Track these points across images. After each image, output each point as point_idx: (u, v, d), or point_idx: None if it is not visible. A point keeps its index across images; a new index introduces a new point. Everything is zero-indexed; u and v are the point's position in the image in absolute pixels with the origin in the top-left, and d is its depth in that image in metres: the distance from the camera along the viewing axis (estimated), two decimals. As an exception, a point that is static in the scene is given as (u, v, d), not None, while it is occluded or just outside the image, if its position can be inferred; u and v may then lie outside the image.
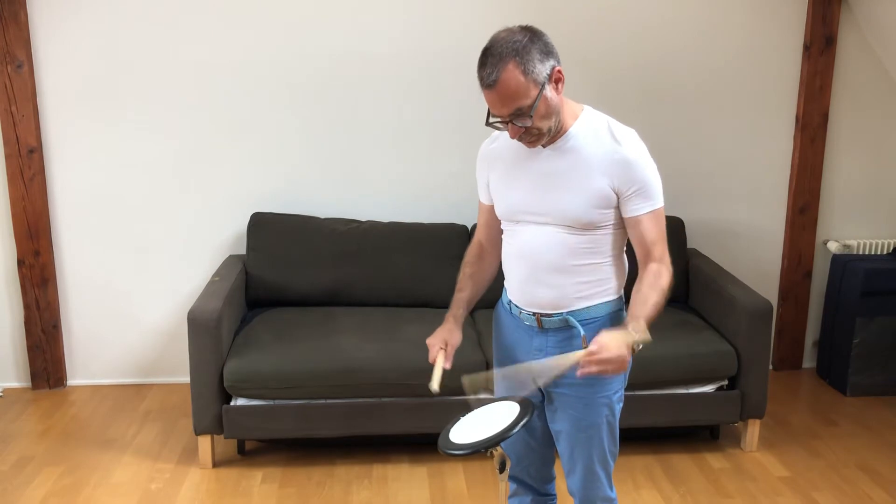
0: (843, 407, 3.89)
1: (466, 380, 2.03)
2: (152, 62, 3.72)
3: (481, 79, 1.87)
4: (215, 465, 3.29)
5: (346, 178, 3.93)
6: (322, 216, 3.87)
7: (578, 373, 1.82)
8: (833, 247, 4.15)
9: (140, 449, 3.42)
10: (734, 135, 4.04)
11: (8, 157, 3.71)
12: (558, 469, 2.30)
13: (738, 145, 4.06)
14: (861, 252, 4.18)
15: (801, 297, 4.22)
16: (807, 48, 3.93)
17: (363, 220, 3.86)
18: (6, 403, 3.83)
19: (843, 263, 4.00)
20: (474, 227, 3.83)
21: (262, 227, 3.76)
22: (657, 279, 1.95)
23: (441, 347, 2.12)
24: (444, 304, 3.69)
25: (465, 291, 2.21)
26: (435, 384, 2.06)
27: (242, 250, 3.88)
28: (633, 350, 1.84)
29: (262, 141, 3.85)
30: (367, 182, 3.94)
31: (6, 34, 3.59)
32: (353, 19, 3.76)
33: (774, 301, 4.19)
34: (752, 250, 4.17)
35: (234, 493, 3.11)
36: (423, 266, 3.75)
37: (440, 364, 2.10)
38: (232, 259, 3.82)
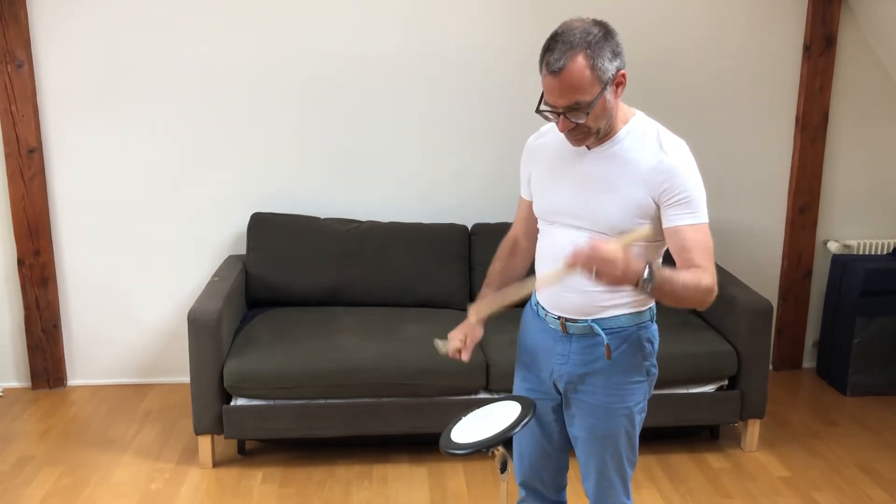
0: (843, 407, 3.89)
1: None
2: (152, 62, 3.72)
3: (546, 63, 1.79)
4: (215, 465, 3.29)
5: (346, 178, 3.93)
6: (322, 216, 3.87)
7: (570, 262, 1.75)
8: (833, 247, 4.15)
9: (140, 449, 3.42)
10: (734, 135, 4.04)
11: (8, 157, 3.71)
12: (571, 476, 2.26)
13: (738, 145, 4.06)
14: (861, 252, 4.18)
15: (801, 297, 4.22)
16: (807, 48, 3.93)
17: (363, 220, 3.86)
18: (6, 403, 3.83)
19: (843, 263, 4.00)
20: (475, 227, 3.88)
21: (262, 227, 3.75)
22: (697, 275, 1.82)
23: (461, 340, 2.09)
24: (444, 304, 3.74)
25: (491, 287, 2.17)
26: (442, 346, 2.07)
27: (242, 250, 3.88)
28: (639, 282, 1.74)
29: (262, 141, 3.85)
30: (367, 182, 3.94)
31: (6, 34, 3.59)
32: (354, 20, 3.76)
33: (774, 301, 4.19)
34: (752, 250, 4.17)
35: (234, 493, 3.10)
36: (423, 266, 3.75)
37: (454, 346, 2.09)
38: (232, 259, 3.82)
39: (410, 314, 3.60)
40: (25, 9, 3.60)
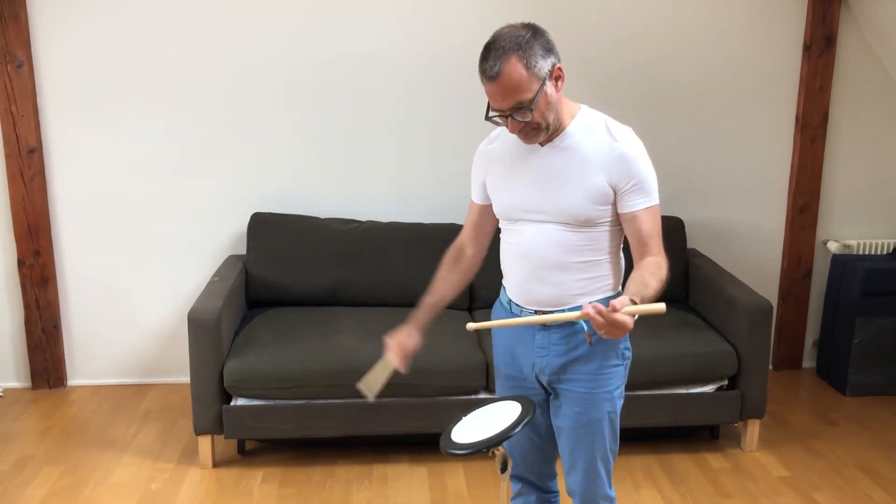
0: (843, 407, 3.89)
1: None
2: (152, 62, 3.73)
3: (483, 71, 1.88)
4: (215, 465, 3.29)
5: (346, 178, 3.93)
6: (322, 216, 3.87)
7: (584, 312, 1.75)
8: (833, 247, 4.15)
9: (140, 449, 3.42)
10: (734, 135, 4.04)
11: (8, 157, 3.71)
12: (559, 466, 2.30)
13: (738, 145, 4.06)
14: (861, 252, 4.18)
15: (801, 297, 4.22)
16: (807, 48, 3.93)
17: (363, 220, 3.86)
18: (6, 403, 3.83)
19: (843, 263, 4.00)
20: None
21: (262, 227, 3.76)
22: (658, 269, 1.94)
23: (398, 350, 2.14)
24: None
25: (433, 296, 2.23)
26: (370, 392, 2.07)
27: (242, 250, 3.88)
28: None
29: (262, 141, 3.85)
30: (367, 182, 3.94)
31: (6, 34, 3.59)
32: (353, 20, 3.76)
33: (774, 301, 4.19)
34: (752, 250, 4.17)
35: (234, 493, 3.11)
36: (423, 266, 3.71)
37: (388, 367, 2.10)
38: (232, 259, 3.82)
39: (410, 314, 3.59)
40: (25, 9, 3.60)
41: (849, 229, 4.21)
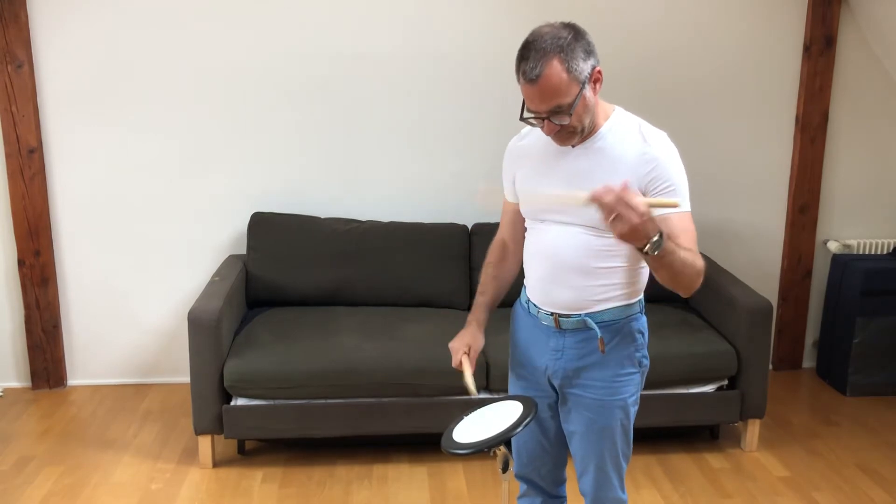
0: (843, 407, 3.89)
1: (483, 187, 2.01)
2: (153, 62, 3.72)
3: (523, 73, 1.83)
4: (215, 465, 3.29)
5: (347, 178, 3.93)
6: (322, 216, 3.87)
7: (592, 194, 1.65)
8: (833, 247, 4.15)
9: (140, 449, 3.42)
10: (734, 135, 4.04)
11: (8, 156, 3.71)
12: (570, 472, 2.28)
13: (738, 145, 4.06)
14: (861, 252, 4.18)
15: (801, 297, 4.22)
16: (807, 48, 3.93)
17: (363, 220, 3.86)
18: (6, 403, 3.83)
19: (843, 263, 4.00)
20: (475, 227, 3.87)
21: (262, 227, 3.75)
22: (692, 256, 1.82)
23: (465, 352, 2.11)
24: (444, 304, 3.74)
25: (486, 295, 2.20)
26: (473, 390, 2.08)
27: (242, 250, 3.88)
28: (646, 244, 1.68)
29: (262, 141, 3.85)
30: (367, 182, 3.94)
31: (6, 34, 3.59)
32: (354, 20, 3.76)
33: (774, 301, 4.19)
34: (752, 250, 4.17)
35: (234, 493, 3.10)
36: (423, 266, 3.75)
37: (468, 370, 2.10)
38: (232, 259, 3.82)
39: (410, 314, 3.60)
40: (25, 9, 3.60)
41: (849, 229, 4.21)
